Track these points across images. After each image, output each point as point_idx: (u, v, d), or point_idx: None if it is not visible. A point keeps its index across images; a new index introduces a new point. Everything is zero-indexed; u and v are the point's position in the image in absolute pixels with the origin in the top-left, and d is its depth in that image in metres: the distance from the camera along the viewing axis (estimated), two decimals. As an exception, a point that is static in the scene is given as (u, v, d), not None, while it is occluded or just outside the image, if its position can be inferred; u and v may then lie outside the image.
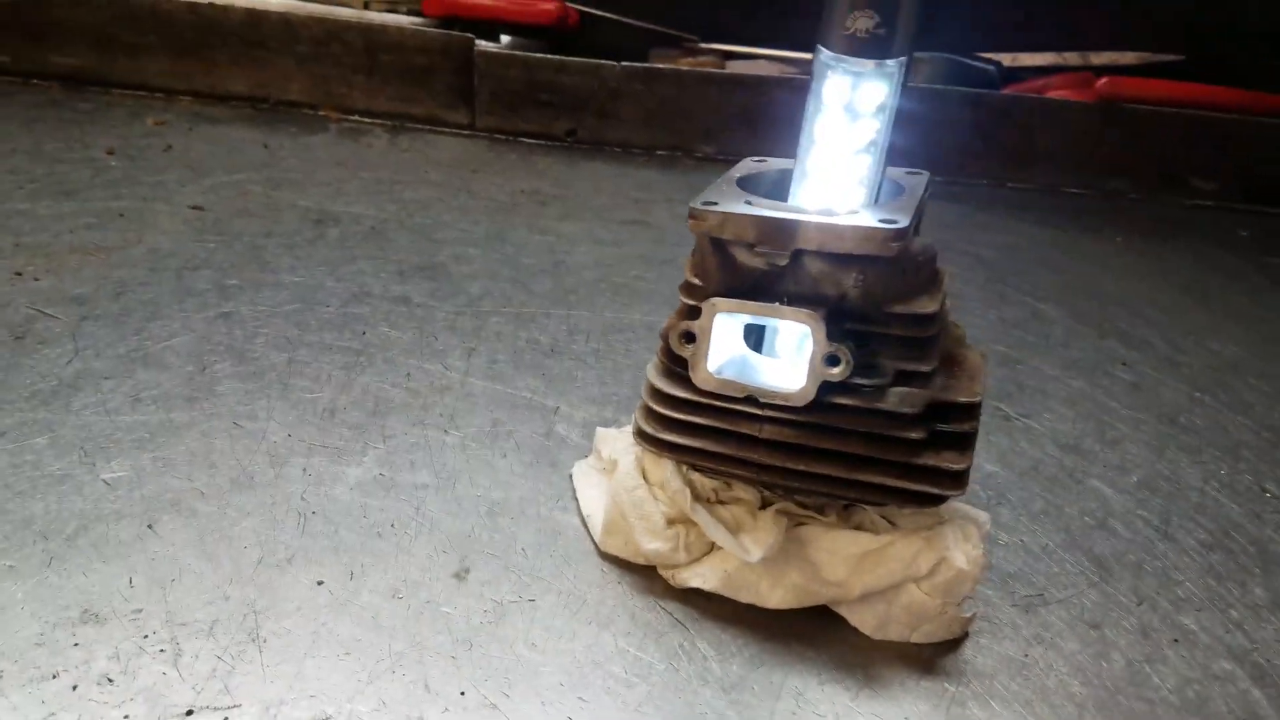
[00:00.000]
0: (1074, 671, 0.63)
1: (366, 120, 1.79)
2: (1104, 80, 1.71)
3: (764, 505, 0.66)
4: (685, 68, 1.74)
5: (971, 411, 0.60)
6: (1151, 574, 0.72)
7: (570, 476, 0.78)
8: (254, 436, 0.80)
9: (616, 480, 0.69)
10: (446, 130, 1.79)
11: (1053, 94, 1.75)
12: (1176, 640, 0.66)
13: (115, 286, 1.04)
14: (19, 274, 1.05)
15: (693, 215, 0.60)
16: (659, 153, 1.78)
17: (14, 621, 0.60)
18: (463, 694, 0.57)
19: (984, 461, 0.84)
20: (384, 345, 0.97)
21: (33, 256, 1.10)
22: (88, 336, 0.94)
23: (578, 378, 0.93)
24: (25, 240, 1.14)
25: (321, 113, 1.80)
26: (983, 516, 0.72)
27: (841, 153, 0.62)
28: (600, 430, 0.78)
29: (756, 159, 0.73)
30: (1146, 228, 1.58)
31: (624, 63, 1.72)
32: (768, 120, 1.72)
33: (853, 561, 0.63)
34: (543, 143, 1.78)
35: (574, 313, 1.07)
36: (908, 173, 0.69)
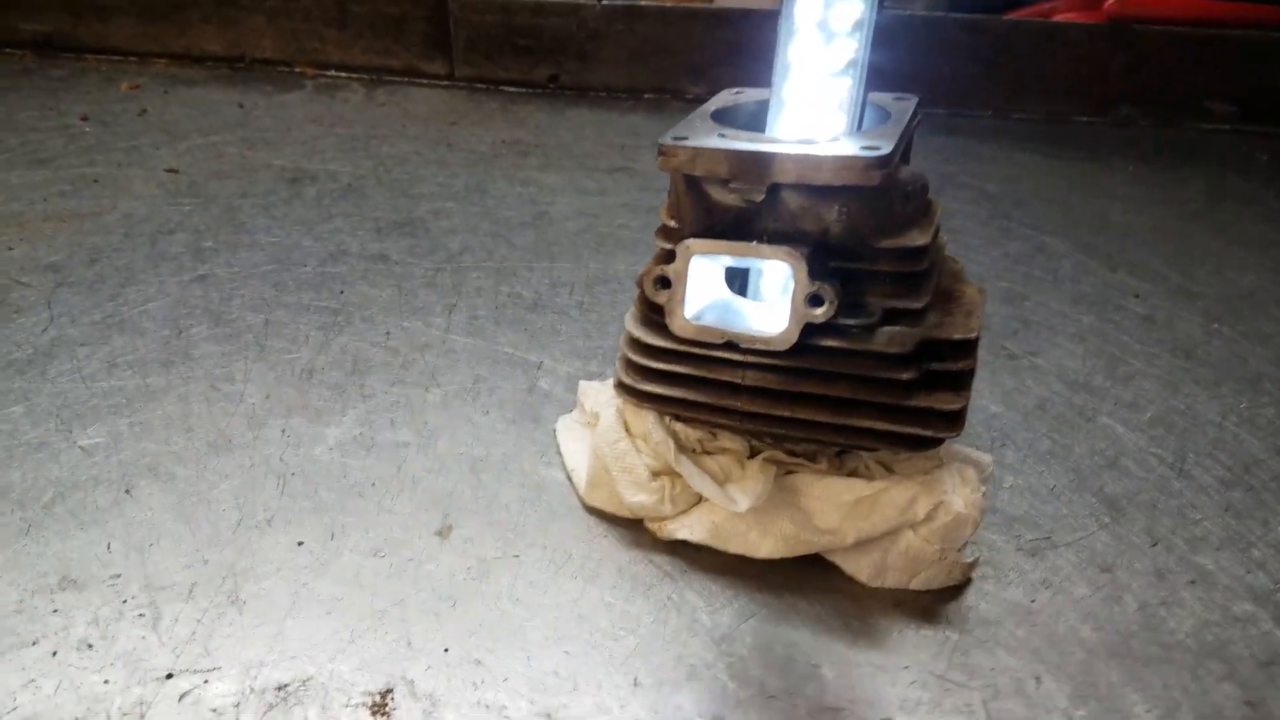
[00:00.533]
0: (1084, 617, 0.61)
1: (343, 75, 1.75)
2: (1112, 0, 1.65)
3: (752, 454, 0.65)
4: (669, 4, 1.70)
5: (967, 348, 0.58)
6: (1166, 514, 0.71)
7: (554, 431, 0.76)
8: (231, 399, 0.79)
9: (599, 434, 0.67)
10: (424, 82, 1.75)
11: (1059, 17, 1.69)
12: (1193, 582, 0.64)
13: (90, 253, 1.02)
14: (-10, 243, 1.03)
15: (662, 151, 0.58)
16: (645, 96, 1.74)
17: (-9, 592, 0.59)
18: (446, 650, 0.56)
19: (988, 402, 0.83)
20: (362, 304, 0.95)
21: (6, 226, 1.07)
22: (63, 304, 0.92)
23: (561, 331, 0.91)
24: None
25: (297, 69, 1.76)
26: (985, 459, 0.70)
27: (819, 76, 0.59)
28: (583, 384, 0.77)
29: (734, 91, 0.71)
30: (1158, 156, 1.53)
31: (604, 1, 1.67)
32: (758, 56, 1.67)
33: (846, 508, 0.62)
34: (524, 90, 1.74)
35: (557, 265, 1.05)
36: (895, 98, 0.67)
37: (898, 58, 1.69)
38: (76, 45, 1.76)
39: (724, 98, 0.69)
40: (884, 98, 0.66)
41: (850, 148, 0.54)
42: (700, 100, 1.69)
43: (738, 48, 1.69)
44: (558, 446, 0.74)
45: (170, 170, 1.26)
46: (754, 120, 0.68)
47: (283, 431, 0.75)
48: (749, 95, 0.69)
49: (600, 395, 0.73)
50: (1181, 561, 0.66)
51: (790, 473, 0.64)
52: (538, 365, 0.86)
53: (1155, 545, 0.67)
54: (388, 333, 0.90)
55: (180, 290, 0.95)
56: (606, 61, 1.71)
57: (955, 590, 0.63)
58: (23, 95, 1.55)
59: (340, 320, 0.91)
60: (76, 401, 0.77)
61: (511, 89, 1.74)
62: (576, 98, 1.72)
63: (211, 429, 0.75)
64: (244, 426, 0.75)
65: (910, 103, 0.65)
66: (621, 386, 0.65)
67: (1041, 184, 1.37)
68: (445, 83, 1.75)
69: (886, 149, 0.54)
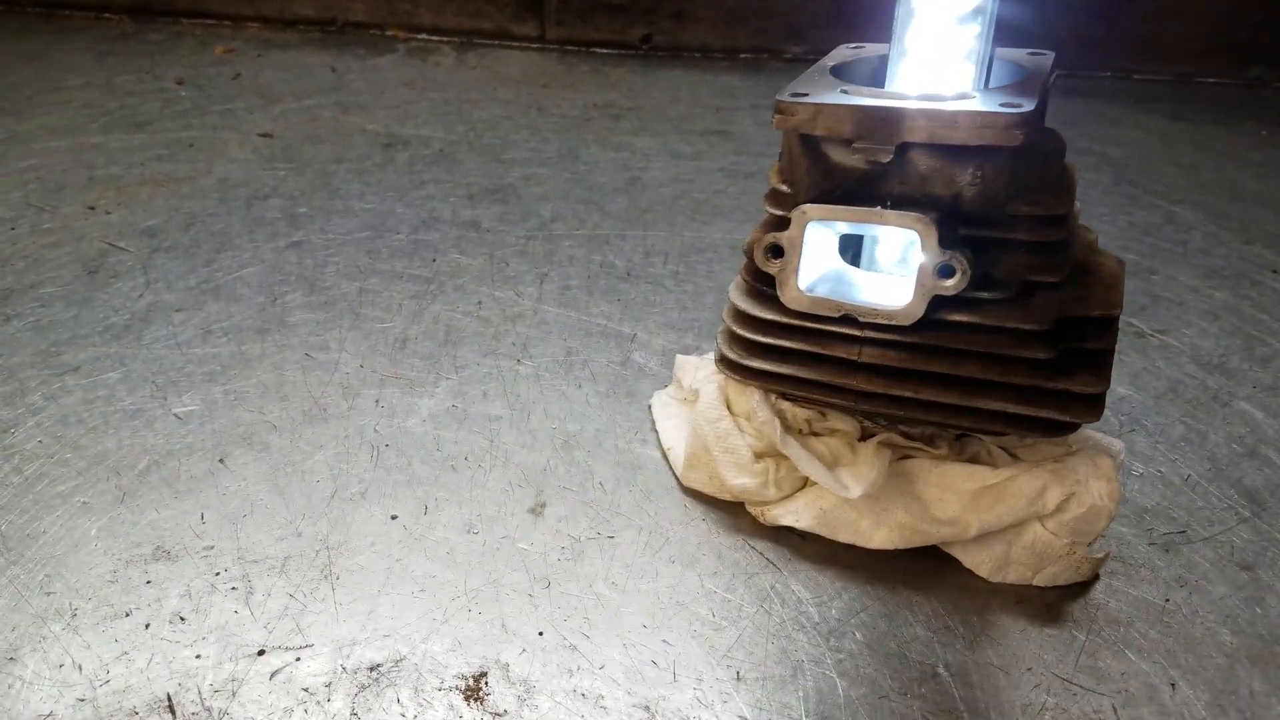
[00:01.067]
0: (1223, 619, 0.56)
1: (434, 38, 1.73)
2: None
3: (864, 437, 0.61)
4: (766, -34, 1.63)
5: (1109, 326, 0.53)
6: (1307, 507, 0.64)
7: (649, 407, 0.73)
8: (326, 368, 0.77)
9: (698, 411, 0.64)
10: (516, 44, 1.72)
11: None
12: (1339, 579, 0.58)
13: (185, 218, 1.02)
14: (91, 208, 1.04)
15: (779, 109, 0.53)
16: (742, 56, 1.67)
17: (88, 559, 0.59)
18: (541, 634, 0.54)
19: (1116, 384, 0.76)
20: (454, 272, 0.93)
21: (105, 190, 1.09)
22: (158, 269, 0.92)
23: (655, 302, 0.88)
24: (98, 174, 1.13)
25: (389, 33, 1.75)
26: (1116, 445, 0.64)
27: (944, 22, 0.54)
28: (680, 358, 0.73)
29: (852, 46, 0.65)
30: (1288, 119, 1.41)
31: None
32: (864, 12, 1.59)
33: (968, 497, 0.57)
34: (616, 52, 1.70)
35: (650, 233, 1.01)
36: (1029, 54, 0.61)
37: (1011, 14, 1.59)
38: (171, 9, 1.78)
39: (842, 52, 0.64)
40: (1017, 54, 0.61)
41: (989, 104, 0.49)
42: (800, 59, 1.63)
43: (840, 7, 1.61)
44: (653, 423, 0.71)
45: (264, 134, 1.26)
46: (876, 77, 0.62)
47: (377, 402, 0.73)
48: (870, 50, 0.64)
49: (699, 371, 0.69)
50: (1341, 565, 0.59)
51: (906, 457, 0.60)
52: (631, 338, 0.83)
53: (1309, 545, 0.61)
54: (479, 302, 0.88)
55: (275, 256, 0.95)
56: (702, 21, 1.66)
57: (1082, 587, 0.58)
58: (120, 59, 1.58)
59: (433, 289, 0.90)
60: (172, 368, 0.77)
61: (603, 50, 1.70)
62: (670, 59, 1.67)
63: (306, 398, 0.74)
64: (339, 396, 0.74)
65: (1046, 58, 0.59)
66: (725, 362, 0.61)
67: (1168, 148, 1.27)
68: (536, 45, 1.72)
69: (1029, 106, 0.48)
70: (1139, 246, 1.00)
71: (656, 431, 0.70)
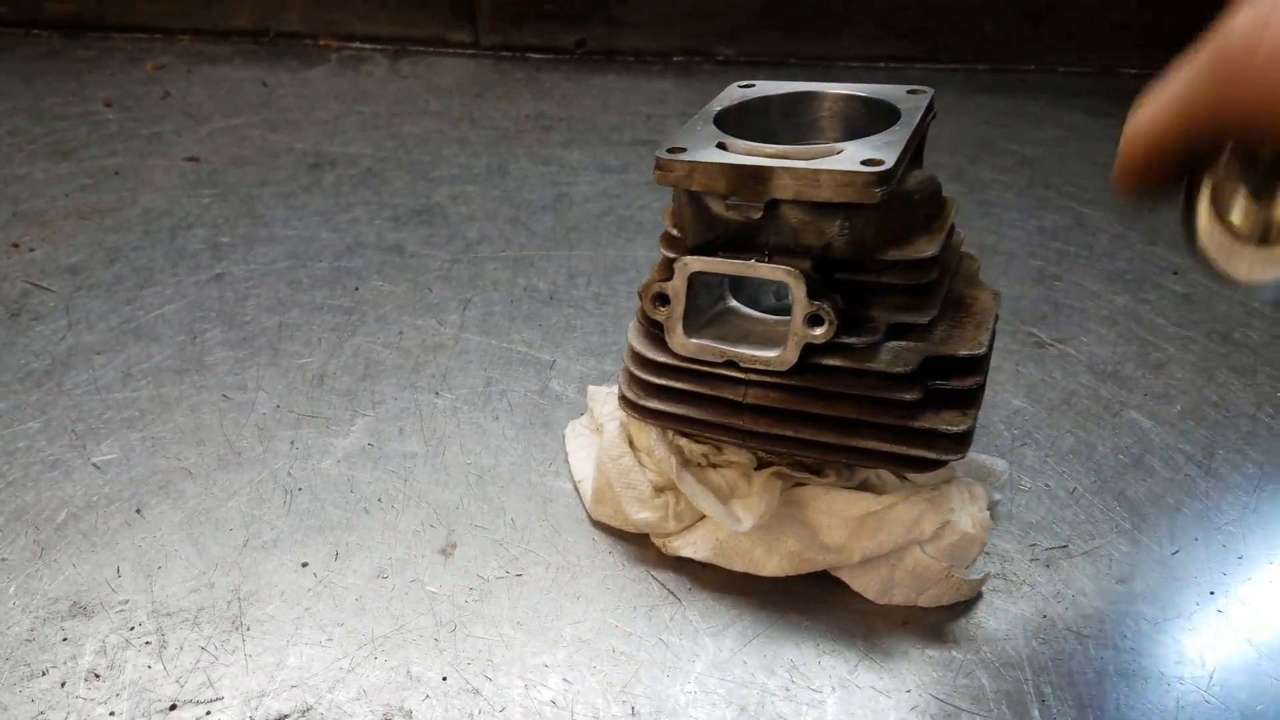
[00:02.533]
0: (1096, 633, 0.59)
1: (367, 47, 1.73)
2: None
3: (760, 465, 0.63)
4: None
5: (975, 365, 0.56)
6: (1190, 517, 0.68)
7: (563, 437, 0.75)
8: (242, 409, 0.79)
9: (602, 448, 0.66)
10: (450, 51, 1.72)
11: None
12: (1212, 593, 0.62)
13: (109, 253, 1.03)
14: (15, 245, 1.04)
15: (659, 165, 0.55)
16: (675, 59, 1.69)
17: (6, 616, 0.60)
18: (445, 679, 0.56)
19: (1010, 396, 0.79)
20: (376, 301, 0.94)
21: (29, 225, 1.08)
22: (81, 309, 0.92)
23: (576, 327, 0.90)
24: (22, 208, 1.13)
25: (322, 42, 1.74)
26: (999, 465, 0.68)
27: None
28: (592, 389, 0.75)
29: (743, 84, 0.67)
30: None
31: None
32: (793, 15, 1.61)
33: (852, 525, 0.60)
34: (550, 57, 1.70)
35: (575, 253, 1.03)
36: (909, 91, 0.63)
37: (936, 11, 1.62)
38: (103, 24, 1.76)
39: (732, 93, 0.66)
40: (897, 92, 0.63)
41: (851, 161, 0.51)
42: (732, 62, 1.64)
43: (771, 9, 1.63)
44: (565, 455, 0.73)
45: (191, 159, 1.26)
46: (761, 120, 0.64)
47: (292, 443, 0.75)
48: (759, 90, 0.66)
49: (608, 404, 0.71)
50: (1202, 572, 0.63)
51: (799, 484, 0.62)
52: (550, 365, 0.84)
53: (1176, 553, 0.64)
54: (400, 332, 0.89)
55: (197, 291, 0.95)
56: (635, 25, 1.66)
57: (966, 606, 0.61)
58: (49, 80, 1.56)
59: (354, 320, 0.91)
60: (91, 414, 0.78)
61: (538, 56, 1.70)
62: (604, 63, 1.68)
63: (222, 442, 0.75)
64: (254, 438, 0.75)
65: (924, 98, 0.61)
66: (624, 401, 0.63)
67: (1086, 146, 1.30)
68: (471, 51, 1.72)
69: (890, 163, 0.50)
70: (1045, 252, 1.03)
71: (569, 463, 0.72)
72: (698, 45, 1.67)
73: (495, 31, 1.71)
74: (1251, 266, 0.45)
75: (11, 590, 0.62)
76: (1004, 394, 0.79)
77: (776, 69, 1.59)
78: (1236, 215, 0.45)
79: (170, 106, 1.45)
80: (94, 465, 0.73)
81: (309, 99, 1.49)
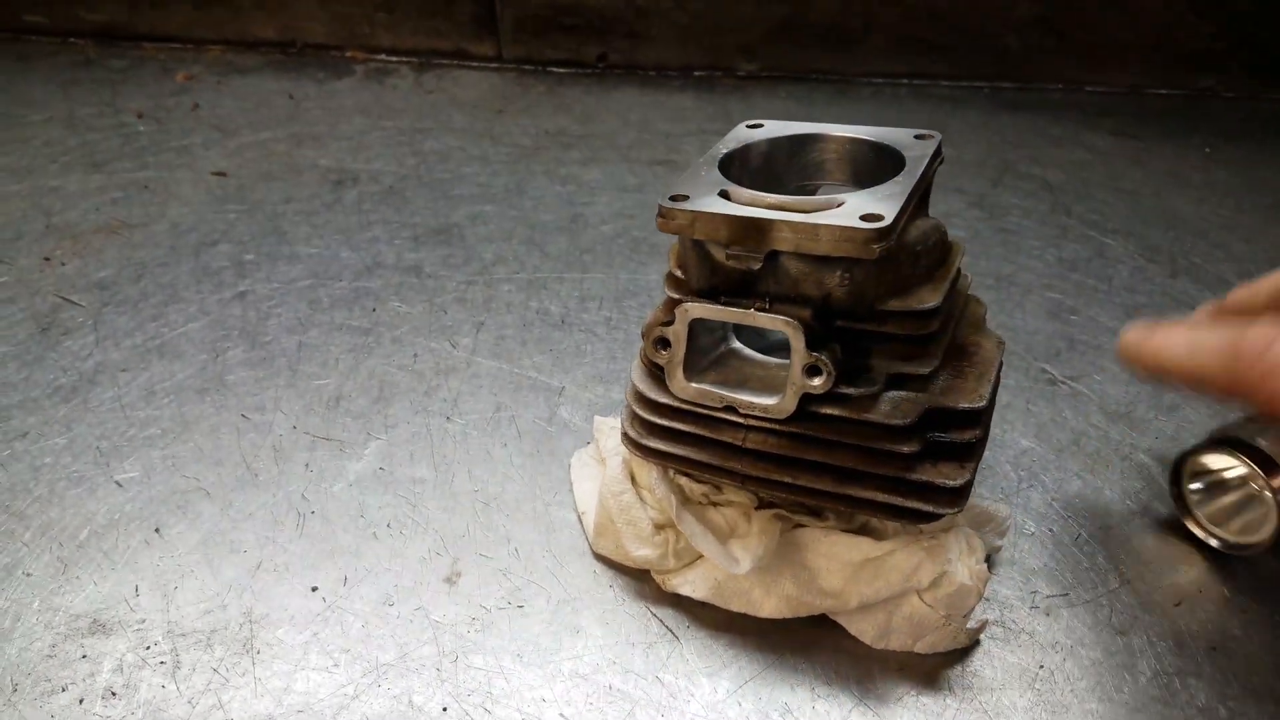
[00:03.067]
0: (1093, 685, 0.59)
1: (392, 59, 1.75)
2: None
3: (761, 505, 0.64)
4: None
5: (974, 418, 0.56)
6: (1196, 568, 0.68)
7: (569, 466, 0.76)
8: (261, 430, 0.81)
9: (605, 484, 0.67)
10: (473, 64, 1.74)
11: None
12: (1214, 649, 0.62)
13: (136, 268, 1.05)
14: (47, 259, 1.07)
15: (661, 213, 0.56)
16: (696, 73, 1.69)
17: (30, 632, 0.63)
18: (445, 710, 0.58)
19: (1019, 436, 0.80)
20: (393, 323, 0.96)
21: (61, 239, 1.11)
22: (108, 325, 0.95)
23: (586, 352, 0.91)
24: (55, 220, 1.16)
25: (348, 54, 1.77)
26: (1003, 512, 0.68)
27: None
28: (598, 419, 0.77)
29: (751, 124, 0.68)
30: (1239, 132, 1.43)
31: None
32: (813, 30, 1.61)
33: (850, 570, 0.61)
34: (572, 70, 1.72)
35: (588, 276, 1.04)
36: (916, 136, 0.63)
37: (958, 27, 1.61)
38: (134, 34, 1.80)
39: (739, 134, 0.67)
40: (904, 136, 0.63)
41: (850, 216, 0.52)
42: (753, 77, 1.65)
43: (790, 24, 1.63)
44: (570, 485, 0.75)
45: (218, 173, 1.29)
46: (766, 164, 0.65)
47: (306, 466, 0.77)
48: (766, 130, 0.67)
49: (612, 437, 0.72)
50: (1205, 626, 0.63)
51: (799, 525, 0.63)
52: (560, 391, 0.86)
53: (1179, 605, 0.65)
54: (415, 355, 0.91)
55: (220, 309, 0.98)
56: (656, 39, 1.67)
57: (962, 653, 0.62)
58: (83, 89, 1.60)
59: (370, 341, 0.93)
60: (115, 432, 0.80)
61: (559, 69, 1.72)
62: (625, 76, 1.69)
63: (239, 463, 0.77)
64: (270, 460, 0.77)
65: (931, 143, 0.62)
66: (626, 439, 0.64)
67: (1109, 171, 1.30)
68: (494, 64, 1.74)
69: (889, 219, 0.51)
70: (1064, 284, 1.03)
71: (573, 494, 0.74)
72: (718, 60, 1.68)
73: (518, 44, 1.72)
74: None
75: (35, 605, 0.65)
76: (1013, 433, 0.80)
77: (796, 84, 1.60)
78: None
79: (199, 119, 1.48)
80: (116, 483, 0.75)
81: (334, 112, 1.52)
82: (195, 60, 1.74)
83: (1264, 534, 0.65)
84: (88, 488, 0.75)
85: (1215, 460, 0.68)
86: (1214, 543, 0.68)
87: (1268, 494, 0.64)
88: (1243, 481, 0.67)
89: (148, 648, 0.62)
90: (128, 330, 0.94)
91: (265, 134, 1.42)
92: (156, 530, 0.71)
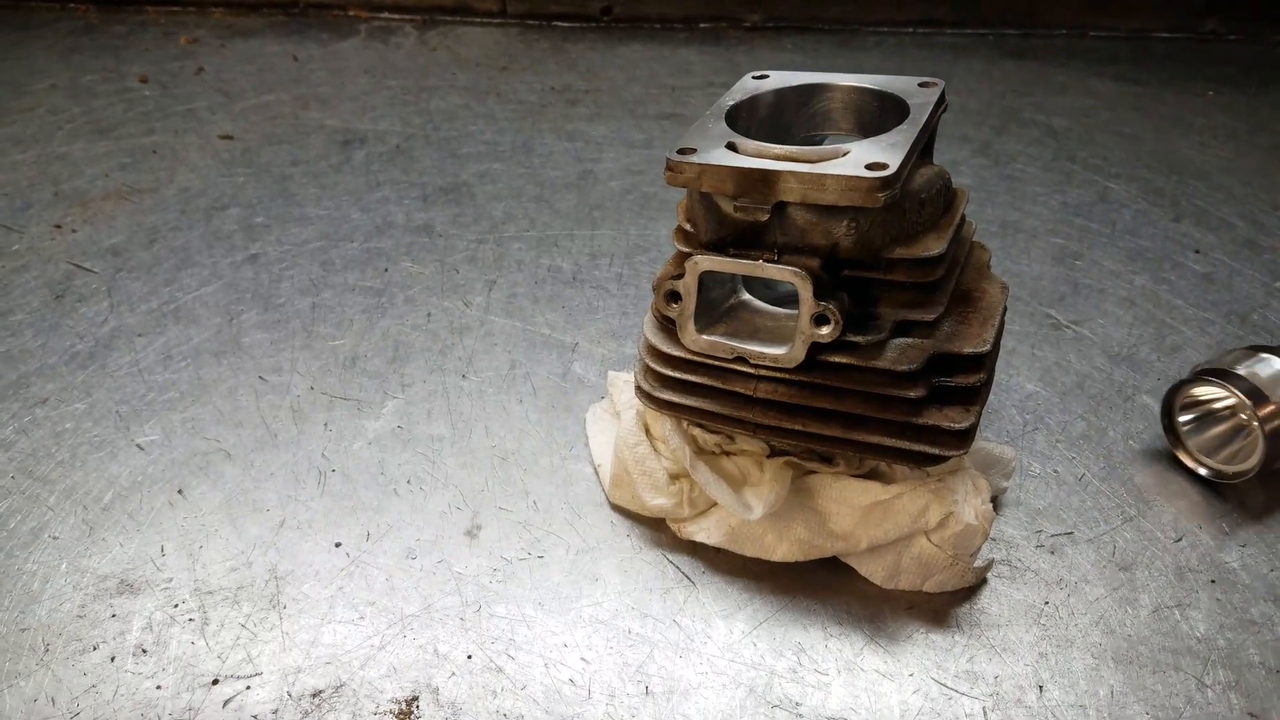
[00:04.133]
0: (1096, 620, 0.61)
1: (395, 16, 1.74)
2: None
3: (773, 453, 0.65)
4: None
5: (979, 362, 0.57)
6: (1195, 505, 0.69)
7: (584, 421, 0.77)
8: (278, 391, 0.82)
9: (619, 435, 0.68)
10: (477, 20, 1.73)
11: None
12: (1213, 581, 0.63)
13: (148, 233, 1.06)
14: (58, 226, 1.08)
15: (669, 167, 0.56)
16: (701, 25, 1.68)
17: (59, 594, 0.64)
18: (470, 657, 0.59)
19: (1024, 380, 0.80)
20: (405, 283, 0.96)
21: (70, 206, 1.12)
22: (122, 290, 0.96)
23: (598, 308, 0.92)
24: (64, 188, 1.16)
25: (351, 12, 1.75)
26: (1009, 454, 0.69)
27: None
28: (612, 374, 0.77)
29: (756, 75, 0.68)
30: (1240, 75, 1.41)
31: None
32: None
33: (860, 513, 0.62)
34: (577, 25, 1.70)
35: (598, 232, 1.04)
36: (920, 84, 0.63)
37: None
38: (137, -2, 1.79)
39: (745, 85, 0.67)
40: (908, 85, 0.63)
41: (855, 166, 0.52)
42: (759, 28, 1.63)
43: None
44: (586, 439, 0.76)
45: (225, 136, 1.29)
46: (773, 114, 0.65)
47: (325, 426, 0.78)
48: (772, 81, 0.66)
49: (626, 391, 0.73)
50: (1204, 559, 0.64)
51: (810, 472, 0.64)
52: (573, 347, 0.87)
53: (1180, 540, 0.66)
54: (429, 314, 0.91)
55: (233, 272, 0.98)
56: (660, -9, 1.66)
57: (969, 592, 0.63)
58: (86, 56, 1.59)
59: (384, 301, 0.93)
60: (134, 396, 0.82)
61: (564, 24, 1.70)
62: (630, 30, 1.68)
63: (259, 424, 0.78)
64: (289, 421, 0.79)
65: (935, 91, 0.62)
66: (640, 392, 0.65)
67: (1113, 116, 1.28)
68: (498, 20, 1.72)
69: (893, 168, 0.51)
70: (1068, 229, 1.02)
71: (589, 447, 0.75)
72: (723, 11, 1.66)
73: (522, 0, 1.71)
74: None
75: (63, 568, 0.66)
76: (1018, 377, 0.80)
77: (802, 34, 1.58)
78: None
79: (204, 83, 1.47)
80: (138, 446, 0.77)
81: (339, 73, 1.51)
82: (198, 24, 1.73)
83: (1251, 462, 0.67)
84: (109, 451, 0.76)
85: (1205, 392, 0.71)
86: (1203, 471, 0.71)
87: (1255, 423, 0.66)
88: (1231, 412, 0.70)
89: (175, 606, 0.63)
90: (142, 295, 0.95)
91: (270, 96, 1.42)
92: (179, 491, 0.72)
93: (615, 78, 1.48)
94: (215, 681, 0.58)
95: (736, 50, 1.57)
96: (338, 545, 0.67)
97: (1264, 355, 0.68)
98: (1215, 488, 0.70)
